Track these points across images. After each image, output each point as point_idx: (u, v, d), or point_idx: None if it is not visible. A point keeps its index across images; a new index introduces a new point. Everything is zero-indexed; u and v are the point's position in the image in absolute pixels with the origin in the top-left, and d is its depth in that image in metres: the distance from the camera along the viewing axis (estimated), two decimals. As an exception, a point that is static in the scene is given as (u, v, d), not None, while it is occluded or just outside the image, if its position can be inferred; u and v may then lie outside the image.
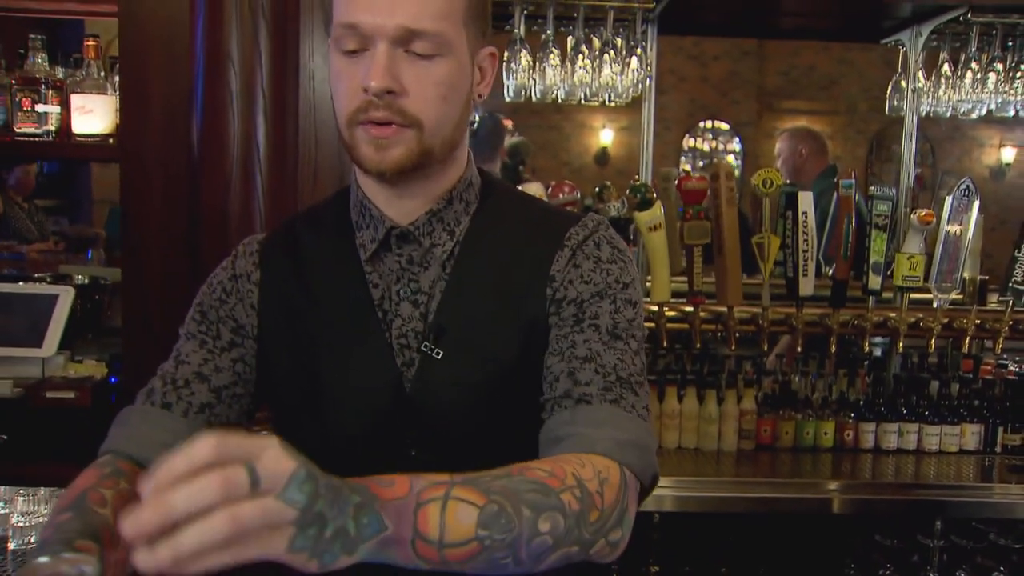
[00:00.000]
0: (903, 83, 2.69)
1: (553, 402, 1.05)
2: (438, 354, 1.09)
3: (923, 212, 2.22)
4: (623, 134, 9.54)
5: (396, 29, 1.00)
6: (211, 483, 0.64)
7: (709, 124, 10.08)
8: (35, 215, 5.18)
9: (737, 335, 2.34)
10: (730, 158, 10.11)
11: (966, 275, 2.46)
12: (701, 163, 9.95)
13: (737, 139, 10.10)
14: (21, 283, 2.49)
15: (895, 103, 2.74)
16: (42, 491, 2.28)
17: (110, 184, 6.64)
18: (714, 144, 10.24)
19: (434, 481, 0.83)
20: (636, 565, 2.30)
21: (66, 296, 2.29)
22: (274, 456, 0.68)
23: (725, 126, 10.09)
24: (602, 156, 9.64)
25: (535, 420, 1.08)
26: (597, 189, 2.49)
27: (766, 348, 2.37)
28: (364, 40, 1.02)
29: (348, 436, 1.12)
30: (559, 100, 2.57)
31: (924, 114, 2.68)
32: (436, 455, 1.07)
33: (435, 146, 1.06)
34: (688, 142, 10.02)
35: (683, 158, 9.80)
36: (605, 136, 9.59)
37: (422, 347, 1.10)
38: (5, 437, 2.09)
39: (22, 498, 2.28)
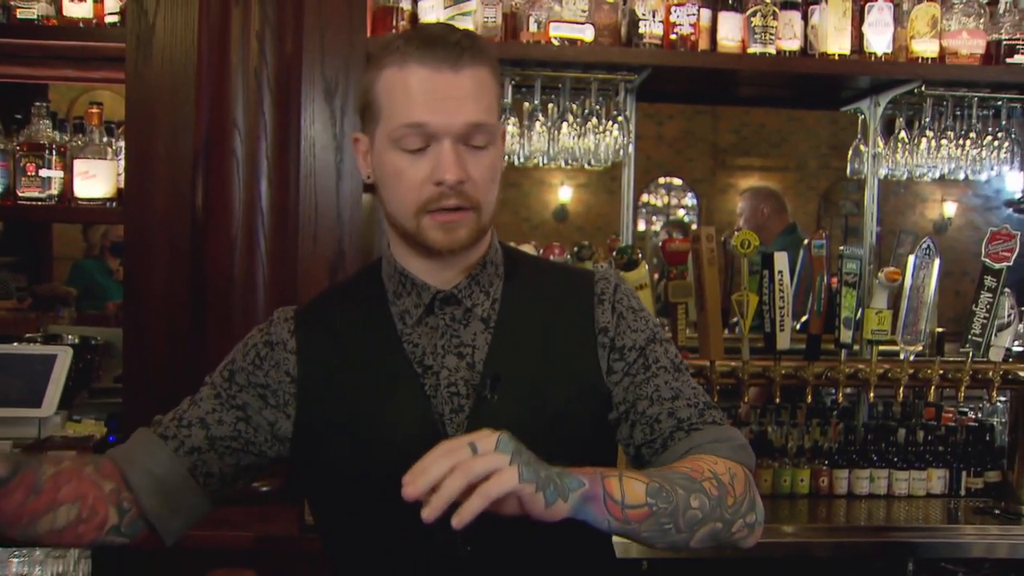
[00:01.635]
0: (863, 148, 2.86)
1: (666, 439, 1.22)
2: (494, 398, 1.20)
3: (890, 270, 2.37)
4: (581, 191, 9.75)
5: (463, 126, 1.15)
6: (447, 458, 0.94)
7: (663, 180, 10.34)
8: (-1, 273, 5.15)
9: (718, 388, 2.45)
10: (681, 212, 10.38)
11: (929, 327, 2.61)
12: (654, 217, 10.18)
13: (691, 194, 10.36)
14: (16, 344, 2.52)
15: (855, 166, 2.91)
16: (38, 552, 2.28)
17: (68, 240, 6.60)
18: (667, 199, 10.49)
19: (602, 470, 1.04)
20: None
21: (64, 356, 2.33)
22: (484, 433, 0.97)
23: (679, 182, 10.36)
24: (561, 212, 9.82)
25: (581, 459, 1.17)
26: (576, 248, 2.60)
27: (745, 400, 2.48)
28: (428, 138, 1.15)
29: (395, 489, 1.19)
30: (539, 165, 2.69)
31: (883, 176, 2.85)
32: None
33: (487, 223, 1.22)
34: (644, 198, 10.26)
35: (639, 213, 10.02)
36: (564, 193, 9.78)
37: (477, 392, 1.21)
38: (6, 498, 2.11)
39: (17, 560, 2.28)
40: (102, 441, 2.22)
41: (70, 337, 2.71)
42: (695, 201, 10.30)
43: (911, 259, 2.43)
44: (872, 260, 2.73)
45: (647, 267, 2.36)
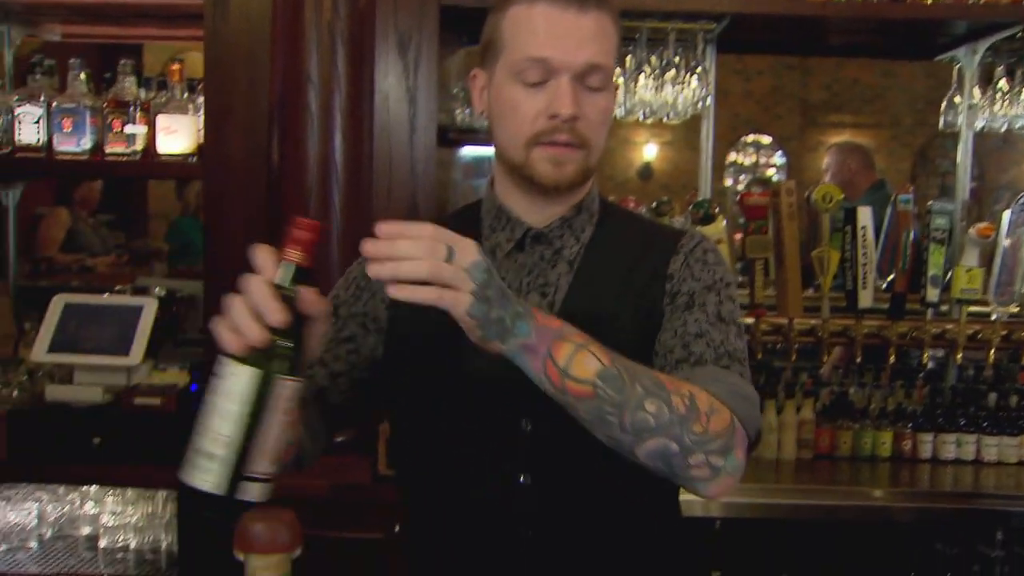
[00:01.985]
0: (957, 99, 2.72)
1: (671, 367, 1.17)
2: None
3: (983, 225, 2.26)
4: (666, 148, 9.58)
5: (582, 65, 1.17)
6: (423, 245, 0.93)
7: (751, 138, 10.08)
8: (99, 229, 5.36)
9: (797, 347, 2.39)
10: (771, 171, 10.11)
11: (1023, 289, 2.49)
12: (742, 176, 9.94)
13: (780, 153, 10.09)
14: (107, 295, 2.61)
15: (949, 118, 2.77)
16: (129, 492, 2.39)
17: (162, 198, 6.84)
18: (756, 158, 10.24)
19: (577, 332, 1.03)
20: (697, 570, 2.34)
21: (150, 307, 2.40)
22: (468, 247, 0.96)
23: (767, 140, 10.09)
24: (646, 171, 9.68)
25: None
26: (655, 204, 2.56)
27: (824, 360, 2.42)
28: (548, 73, 1.18)
29: (466, 408, 1.22)
30: (617, 118, 2.64)
31: (979, 129, 2.71)
32: (549, 426, 1.15)
33: (593, 165, 1.24)
34: (731, 156, 10.03)
35: (726, 172, 9.81)
36: (648, 151, 9.64)
37: None
38: (98, 440, 2.21)
39: (111, 498, 2.39)
40: (185, 389, 2.30)
41: (157, 290, 2.79)
42: (784, 159, 10.02)
43: (1006, 215, 2.32)
44: (964, 216, 2.61)
45: (724, 222, 2.30)
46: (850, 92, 9.52)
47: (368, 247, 0.94)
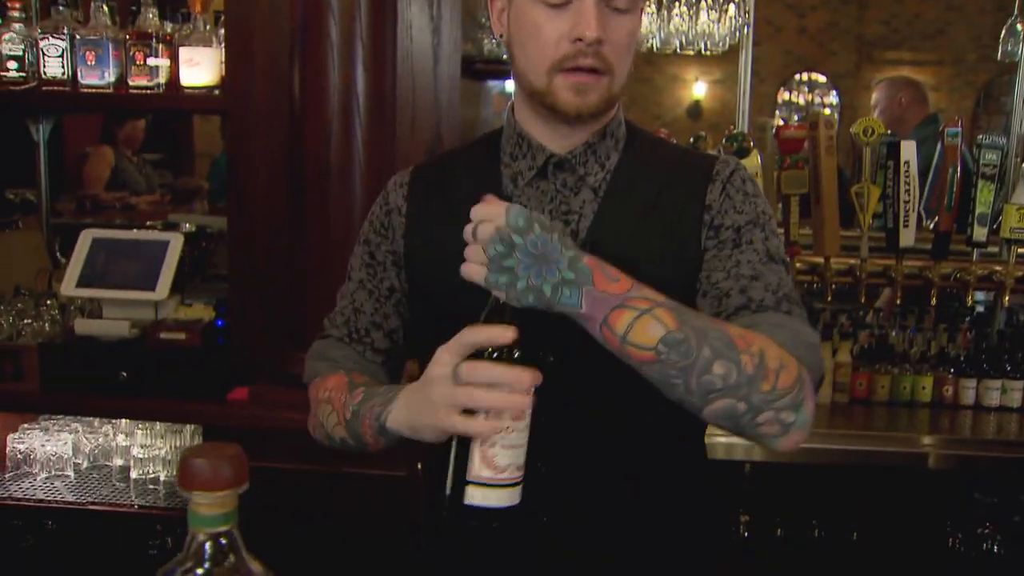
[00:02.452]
0: (1020, 26, 2.56)
1: (730, 314, 1.12)
2: None
3: (1035, 160, 2.14)
4: (716, 87, 9.33)
5: None
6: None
7: (805, 76, 9.76)
8: (143, 168, 5.39)
9: (833, 287, 2.30)
10: (826, 111, 9.80)
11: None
12: (796, 116, 9.66)
13: (834, 92, 9.76)
14: (135, 230, 2.61)
15: (1008, 48, 2.62)
16: (158, 425, 2.42)
17: (209, 137, 6.86)
18: (810, 97, 9.92)
19: (647, 295, 1.01)
20: (727, 513, 2.31)
21: (176, 242, 2.39)
22: (491, 219, 1.01)
23: (822, 78, 9.76)
24: (695, 109, 9.46)
25: None
26: (692, 139, 2.47)
27: (863, 300, 2.32)
28: None
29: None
30: (654, 49, 2.54)
31: (1039, 59, 2.55)
32: (571, 362, 1.11)
33: (617, 92, 1.19)
34: (783, 95, 9.74)
35: (778, 111, 9.53)
36: (698, 89, 9.40)
37: None
38: (125, 374, 2.22)
39: (141, 431, 2.42)
40: (210, 324, 2.29)
41: (187, 226, 2.79)
42: (837, 99, 9.70)
43: (1063, 148, 2.18)
44: (1019, 152, 2.47)
45: (760, 156, 2.21)
46: (910, 27, 9.13)
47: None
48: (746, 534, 2.34)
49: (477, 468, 0.99)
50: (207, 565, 0.63)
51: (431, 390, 1.01)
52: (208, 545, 0.64)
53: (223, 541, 0.64)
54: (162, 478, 2.40)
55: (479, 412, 0.98)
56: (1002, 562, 2.30)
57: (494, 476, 0.98)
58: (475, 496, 0.99)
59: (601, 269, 1.00)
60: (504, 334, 0.98)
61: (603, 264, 1.01)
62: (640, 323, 0.98)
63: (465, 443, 0.99)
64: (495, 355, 0.99)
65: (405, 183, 1.31)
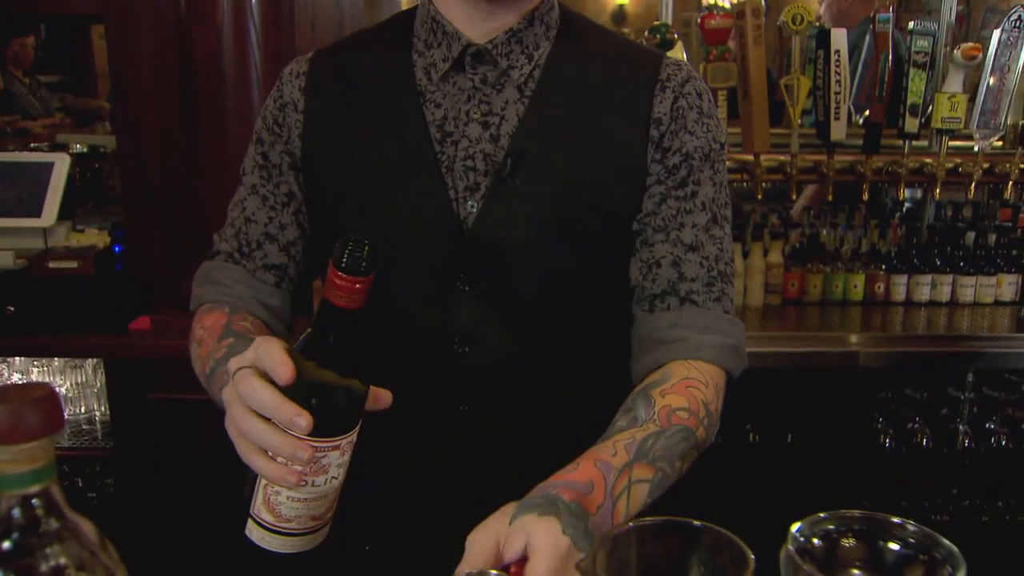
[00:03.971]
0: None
1: (655, 298, 1.05)
2: (515, 182, 1.03)
3: (968, 46, 2.06)
4: (642, -9, 9.11)
5: None
6: None
7: (732, -23, 9.61)
8: (38, 90, 5.04)
9: (764, 185, 2.22)
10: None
11: (1009, 119, 2.31)
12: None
13: (763, -8, 9.62)
14: (16, 152, 2.40)
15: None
16: (56, 362, 2.26)
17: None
18: (735, 0, 9.78)
19: (617, 469, 0.87)
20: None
21: (62, 164, 2.20)
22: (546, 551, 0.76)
23: (750, -22, 9.61)
24: (619, 14, 9.23)
25: (602, 273, 1.07)
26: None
27: (795, 198, 2.25)
28: None
29: (400, 268, 1.05)
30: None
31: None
32: (490, 288, 1.04)
33: None
34: (709, -2, 9.56)
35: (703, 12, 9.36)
36: (622, -7, 9.16)
37: (498, 171, 1.03)
38: (12, 309, 2.05)
39: (37, 369, 2.26)
40: (106, 251, 2.13)
41: (77, 146, 2.58)
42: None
43: (996, 33, 2.11)
44: (948, 41, 2.39)
45: (685, 52, 2.09)
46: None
47: None
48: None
49: (258, 507, 0.80)
50: (15, 536, 0.51)
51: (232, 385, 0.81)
52: (17, 511, 0.51)
53: (36, 503, 0.52)
54: (66, 417, 2.25)
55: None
56: (930, 455, 2.30)
57: (275, 523, 0.80)
58: (253, 533, 0.82)
59: (571, 486, 0.84)
60: (278, 371, 0.75)
61: (572, 483, 0.84)
62: (633, 499, 0.88)
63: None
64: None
65: (303, 73, 1.12)
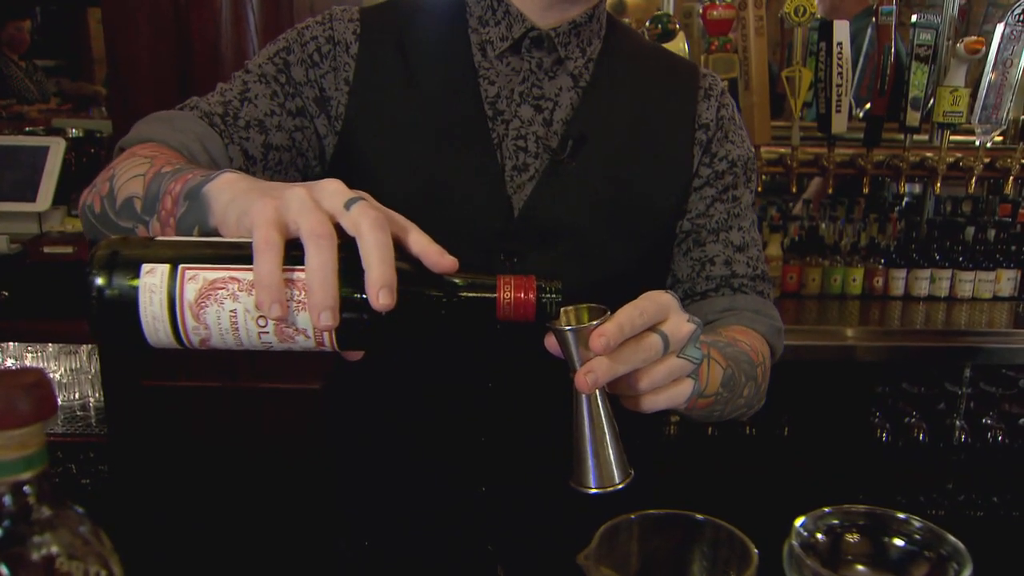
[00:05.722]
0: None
1: (708, 291, 1.12)
2: (572, 163, 1.05)
3: (971, 39, 2.04)
4: (642, -19, 9.08)
5: None
6: (640, 352, 0.72)
7: (733, -31, 9.57)
8: (34, 74, 5.01)
9: (764, 177, 2.21)
10: None
11: (1011, 114, 2.30)
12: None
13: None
14: (10, 135, 2.38)
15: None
16: (51, 347, 2.24)
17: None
18: (737, -8, 9.75)
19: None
20: (657, 414, 2.25)
21: (57, 148, 2.19)
22: (677, 321, 0.75)
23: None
24: (619, 7, 9.21)
25: (642, 262, 1.09)
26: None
27: (795, 191, 2.24)
28: None
29: (443, 239, 1.01)
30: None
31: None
32: (534, 267, 1.01)
33: None
34: (710, -10, 9.53)
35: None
36: (623, -16, 9.14)
37: (553, 153, 1.05)
38: (6, 294, 2.04)
39: (31, 354, 2.25)
40: (93, 239, 2.11)
41: (73, 131, 2.56)
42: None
43: (999, 28, 2.09)
44: (951, 35, 2.38)
45: (687, 43, 2.07)
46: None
47: (590, 376, 0.71)
48: (674, 432, 2.30)
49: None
50: (6, 524, 0.50)
51: (281, 191, 0.64)
52: (8, 498, 0.50)
53: (27, 490, 0.51)
54: (60, 403, 2.25)
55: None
56: (927, 450, 2.30)
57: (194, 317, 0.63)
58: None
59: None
60: (441, 261, 0.65)
61: None
62: (711, 371, 0.88)
63: None
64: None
65: (355, 19, 1.07)
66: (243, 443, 2.06)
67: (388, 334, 0.65)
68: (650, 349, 0.73)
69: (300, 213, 0.61)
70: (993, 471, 2.30)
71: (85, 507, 0.55)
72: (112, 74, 2.09)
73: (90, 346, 2.22)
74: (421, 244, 0.65)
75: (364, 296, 0.61)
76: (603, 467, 0.73)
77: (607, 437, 0.73)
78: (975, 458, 2.30)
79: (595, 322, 0.70)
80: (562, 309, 0.70)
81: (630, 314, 0.72)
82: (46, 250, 2.05)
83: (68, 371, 2.23)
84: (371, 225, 0.61)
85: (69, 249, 2.06)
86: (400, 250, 0.64)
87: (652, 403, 0.76)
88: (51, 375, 2.22)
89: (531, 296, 0.66)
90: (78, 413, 2.25)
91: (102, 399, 2.13)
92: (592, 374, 0.70)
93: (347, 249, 0.62)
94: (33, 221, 2.15)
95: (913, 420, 2.32)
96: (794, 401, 2.31)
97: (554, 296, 0.67)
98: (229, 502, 2.09)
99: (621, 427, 0.74)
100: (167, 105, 2.00)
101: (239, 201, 0.66)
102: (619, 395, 0.76)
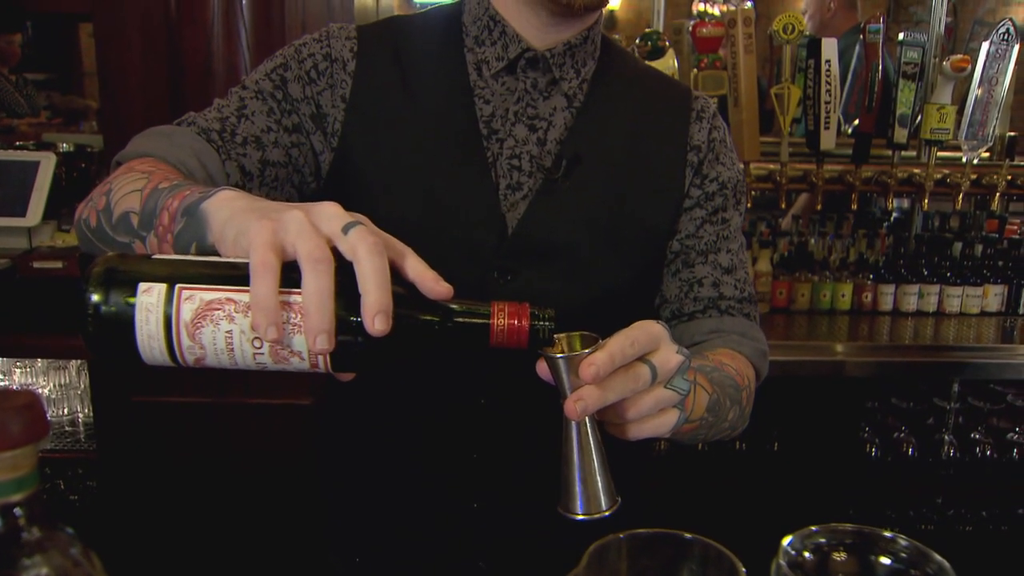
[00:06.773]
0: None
1: (696, 312, 1.12)
2: (566, 183, 1.05)
3: (958, 57, 2.07)
4: (632, -2, 9.14)
5: None
6: (628, 382, 0.73)
7: (722, -15, 9.64)
8: (24, 88, 5.00)
9: (753, 193, 2.22)
10: (747, 4, 9.65)
11: (996, 131, 2.32)
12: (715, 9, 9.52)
13: (750, 2, 9.66)
14: (0, 150, 2.37)
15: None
16: (40, 363, 2.24)
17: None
18: (724, 8, 9.81)
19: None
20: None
21: (47, 163, 2.19)
22: (666, 353, 0.76)
23: (739, -13, 9.65)
24: (609, 21, 9.26)
25: (634, 281, 1.10)
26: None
27: (784, 207, 2.25)
28: None
29: (436, 256, 1.02)
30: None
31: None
32: (526, 285, 1.04)
33: None
34: (698, 6, 9.59)
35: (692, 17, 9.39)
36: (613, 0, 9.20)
37: (547, 173, 1.06)
38: (-6, 309, 2.03)
39: (19, 370, 2.24)
40: (88, 253, 2.11)
41: (64, 145, 2.55)
42: (753, 4, 9.59)
43: (984, 46, 2.12)
44: (937, 52, 2.40)
45: (676, 60, 2.09)
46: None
47: (580, 404, 0.71)
48: (664, 447, 2.30)
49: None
50: (-5, 545, 0.50)
51: (279, 213, 0.64)
52: (-2, 520, 0.50)
53: (18, 512, 0.51)
54: (48, 418, 2.23)
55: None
56: (916, 465, 2.31)
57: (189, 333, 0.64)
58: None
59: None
60: (436, 288, 0.66)
61: None
62: (698, 398, 0.89)
63: None
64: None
65: (352, 37, 1.08)
66: (233, 459, 2.05)
67: (382, 357, 0.66)
68: (638, 379, 0.74)
69: (298, 236, 0.62)
70: (982, 486, 2.31)
71: (73, 524, 0.54)
72: (103, 88, 2.09)
73: (79, 361, 2.21)
74: (417, 270, 0.66)
75: (360, 320, 0.62)
76: (590, 493, 0.73)
77: (595, 464, 0.73)
78: (964, 473, 2.31)
79: (587, 350, 0.71)
80: (554, 336, 0.71)
81: (621, 344, 0.72)
82: (36, 265, 2.04)
83: (57, 386, 2.22)
84: (368, 250, 0.62)
85: (59, 264, 2.05)
86: (396, 275, 0.65)
87: (638, 431, 0.77)
88: (40, 390, 2.22)
89: (524, 323, 0.68)
90: (67, 429, 2.24)
91: (91, 414, 2.12)
92: (582, 402, 0.70)
93: (344, 273, 0.63)
94: (23, 236, 2.15)
95: (902, 435, 2.33)
96: (784, 416, 2.31)
97: (547, 323, 0.68)
98: (219, 518, 2.08)
99: (610, 450, 0.75)
100: (158, 120, 2.00)
101: (237, 220, 0.67)
102: (606, 422, 0.77)
